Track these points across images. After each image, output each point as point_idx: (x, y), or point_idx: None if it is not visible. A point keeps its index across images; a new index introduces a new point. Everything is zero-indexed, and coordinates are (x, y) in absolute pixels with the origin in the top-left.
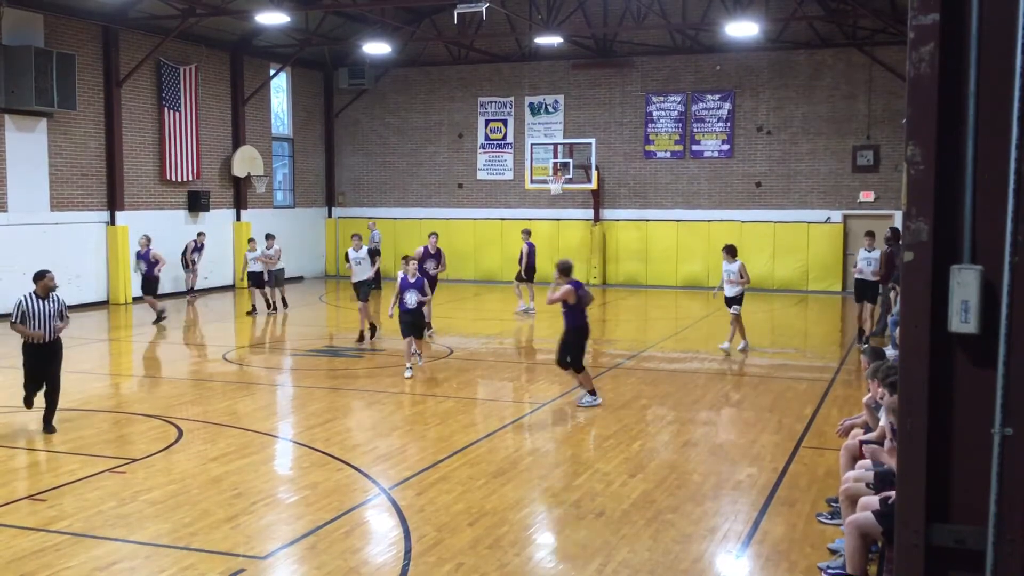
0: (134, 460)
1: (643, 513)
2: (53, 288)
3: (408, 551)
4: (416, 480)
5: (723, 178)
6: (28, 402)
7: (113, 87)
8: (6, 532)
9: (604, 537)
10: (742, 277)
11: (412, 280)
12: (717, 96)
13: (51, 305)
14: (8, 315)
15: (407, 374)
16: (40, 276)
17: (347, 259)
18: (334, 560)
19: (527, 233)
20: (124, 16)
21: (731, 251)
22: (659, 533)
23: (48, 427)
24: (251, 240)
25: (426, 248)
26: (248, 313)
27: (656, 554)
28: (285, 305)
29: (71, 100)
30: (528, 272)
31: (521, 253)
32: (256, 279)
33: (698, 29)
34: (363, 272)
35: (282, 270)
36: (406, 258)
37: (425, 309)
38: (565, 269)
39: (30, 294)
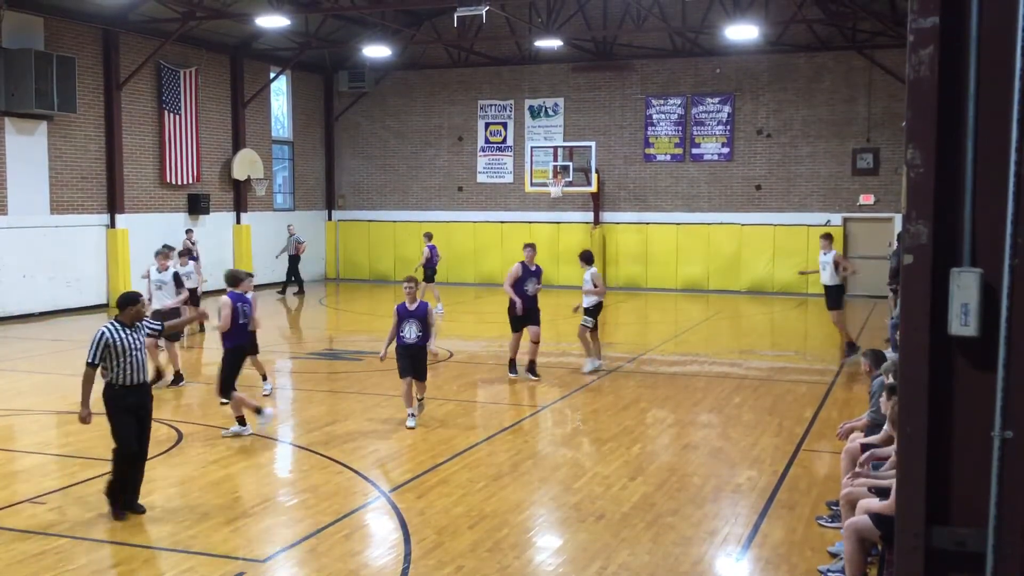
0: None
1: (643, 516)
2: (143, 316)
3: (408, 554)
4: (416, 483)
5: (723, 181)
6: (121, 488)
7: (113, 90)
8: (6, 535)
9: (604, 540)
10: (595, 286)
11: (413, 308)
12: (717, 99)
13: (140, 337)
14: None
15: (410, 423)
16: (132, 301)
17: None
18: (334, 563)
19: (428, 236)
20: (124, 19)
21: (586, 257)
22: (659, 536)
23: (135, 505)
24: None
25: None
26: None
27: (656, 557)
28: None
29: (71, 103)
30: (429, 274)
31: (423, 255)
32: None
33: (698, 32)
34: (165, 297)
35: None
36: (410, 281)
37: (431, 344)
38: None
39: (114, 325)
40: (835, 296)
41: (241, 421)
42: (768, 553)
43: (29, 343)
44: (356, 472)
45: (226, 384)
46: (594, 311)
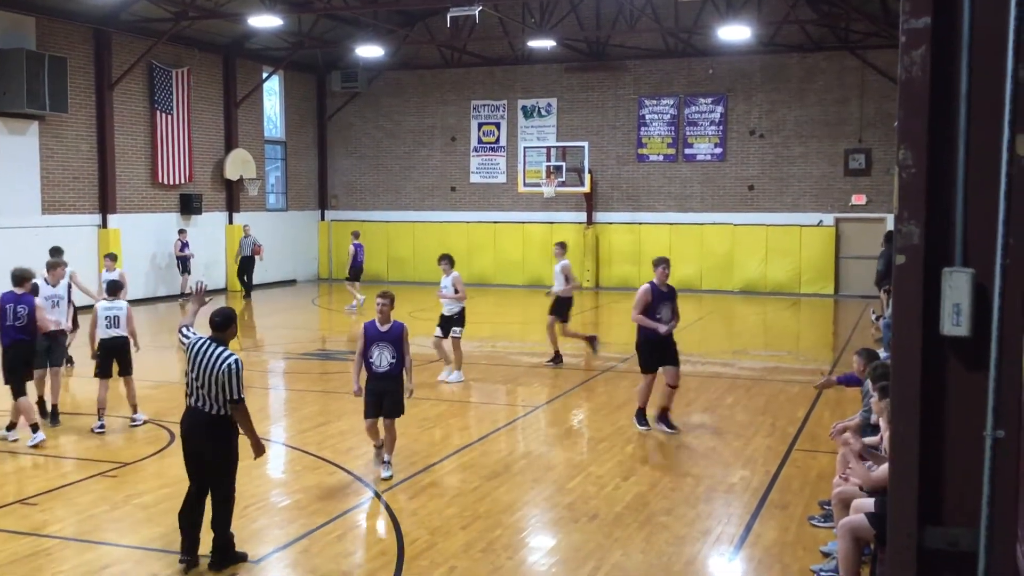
0: (126, 464)
1: (636, 516)
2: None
3: (401, 555)
4: (409, 484)
5: (716, 181)
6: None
7: (105, 90)
8: None
9: (597, 540)
10: (456, 292)
11: (384, 328)
12: (710, 99)
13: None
14: None
15: (385, 473)
16: (229, 322)
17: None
18: (327, 564)
19: (356, 235)
20: (116, 19)
21: (447, 260)
22: (652, 536)
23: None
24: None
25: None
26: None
27: (649, 556)
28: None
29: (63, 103)
30: (355, 272)
31: (349, 254)
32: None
33: (691, 33)
34: (60, 313)
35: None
36: (384, 297)
37: (406, 375)
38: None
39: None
40: (564, 307)
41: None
42: (761, 553)
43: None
44: (349, 472)
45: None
46: (459, 319)
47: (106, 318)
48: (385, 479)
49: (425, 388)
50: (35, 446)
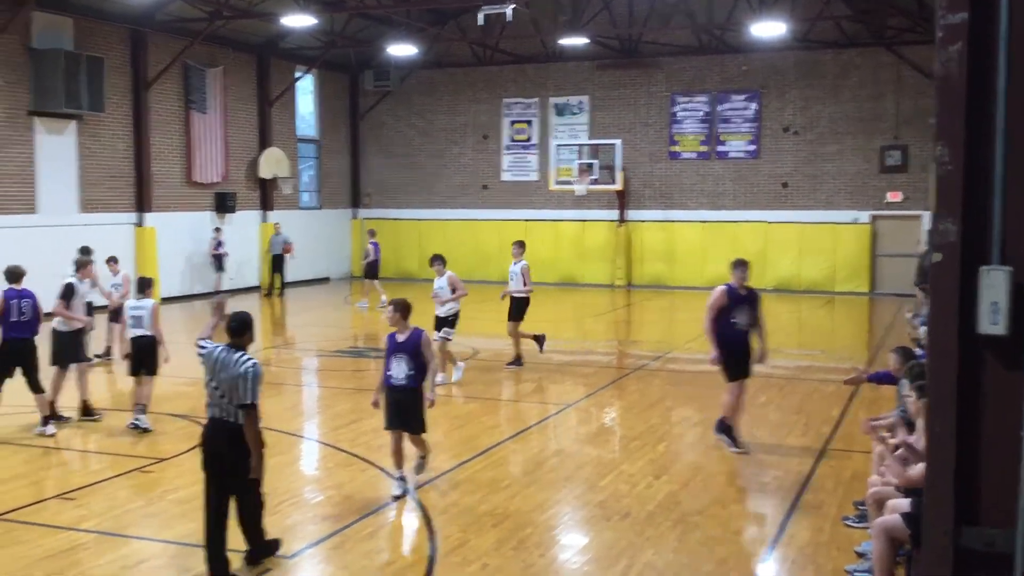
0: (162, 460)
1: (668, 515)
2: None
3: (433, 552)
4: (441, 481)
5: (749, 179)
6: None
7: (141, 90)
8: (36, 531)
9: (629, 538)
10: (455, 291)
11: (402, 339)
12: (743, 96)
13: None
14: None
15: (395, 491)
16: (245, 327)
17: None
18: (359, 560)
19: (372, 233)
20: (152, 19)
21: (440, 260)
22: (684, 535)
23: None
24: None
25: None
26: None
27: (681, 556)
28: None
29: (100, 103)
30: (371, 270)
31: (367, 252)
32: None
33: (724, 29)
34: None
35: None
36: (392, 305)
37: (428, 385)
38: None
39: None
40: (522, 308)
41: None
42: (794, 553)
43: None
44: (381, 469)
45: None
46: (451, 321)
47: (131, 317)
48: (396, 497)
49: (454, 386)
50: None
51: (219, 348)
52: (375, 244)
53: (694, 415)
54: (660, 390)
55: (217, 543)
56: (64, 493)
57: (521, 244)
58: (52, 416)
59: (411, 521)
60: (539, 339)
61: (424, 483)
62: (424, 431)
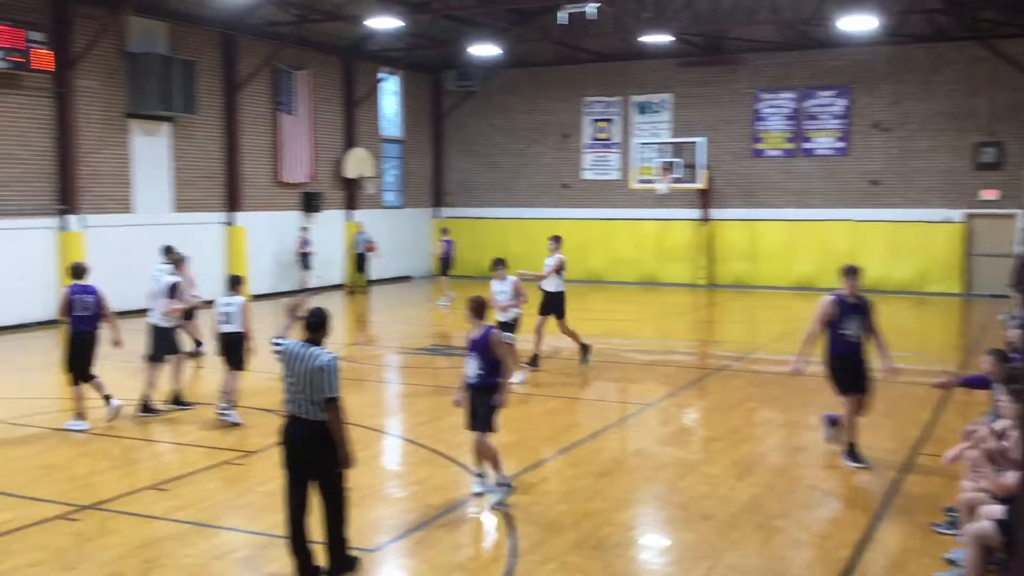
0: (251, 453)
1: (751, 518)
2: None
3: (513, 549)
4: (520, 479)
5: (837, 176)
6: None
7: (232, 92)
8: (130, 520)
9: (711, 541)
10: (519, 296)
11: (477, 336)
12: (831, 92)
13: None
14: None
15: (476, 488)
16: (322, 323)
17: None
18: (441, 555)
19: (445, 231)
20: (243, 23)
21: (503, 264)
22: (768, 538)
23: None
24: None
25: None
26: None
27: (765, 560)
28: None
29: (193, 105)
30: (444, 268)
31: (439, 250)
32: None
33: (811, 24)
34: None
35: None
36: (470, 304)
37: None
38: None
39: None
40: (559, 303)
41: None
42: (882, 559)
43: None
44: (462, 466)
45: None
46: (513, 326)
47: (221, 313)
48: (476, 494)
49: (534, 385)
50: (78, 430)
51: (296, 344)
52: (448, 242)
53: (778, 417)
54: (743, 391)
55: (300, 538)
56: (157, 484)
57: (557, 239)
58: (148, 409)
59: (491, 518)
60: (585, 348)
61: (504, 481)
62: (488, 430)
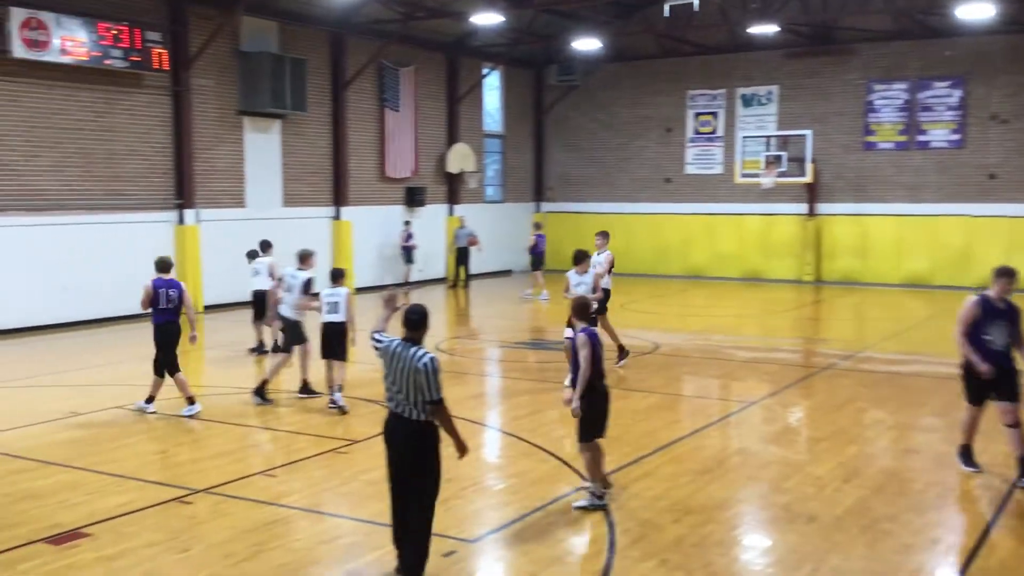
0: (355, 442)
1: (858, 520)
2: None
3: (612, 544)
4: (620, 474)
5: (952, 170)
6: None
7: (340, 89)
8: (241, 504)
9: (815, 543)
10: (595, 290)
11: (571, 336)
12: (946, 83)
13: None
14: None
15: (580, 503)
16: (423, 321)
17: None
18: (539, 548)
19: (537, 226)
20: (350, 22)
21: (585, 256)
22: (875, 542)
23: None
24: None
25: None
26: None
27: (871, 563)
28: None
29: (302, 102)
30: (536, 262)
31: (533, 244)
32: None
33: (926, 13)
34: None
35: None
36: (576, 306)
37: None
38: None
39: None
40: (602, 300)
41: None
42: (996, 565)
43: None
44: (561, 460)
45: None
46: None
47: (327, 303)
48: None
49: (634, 380)
50: (191, 416)
51: (395, 342)
52: (540, 236)
53: (888, 418)
54: (851, 391)
55: (404, 532)
56: (267, 470)
57: (605, 234)
58: (307, 391)
59: (590, 513)
60: (622, 349)
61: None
62: (580, 439)
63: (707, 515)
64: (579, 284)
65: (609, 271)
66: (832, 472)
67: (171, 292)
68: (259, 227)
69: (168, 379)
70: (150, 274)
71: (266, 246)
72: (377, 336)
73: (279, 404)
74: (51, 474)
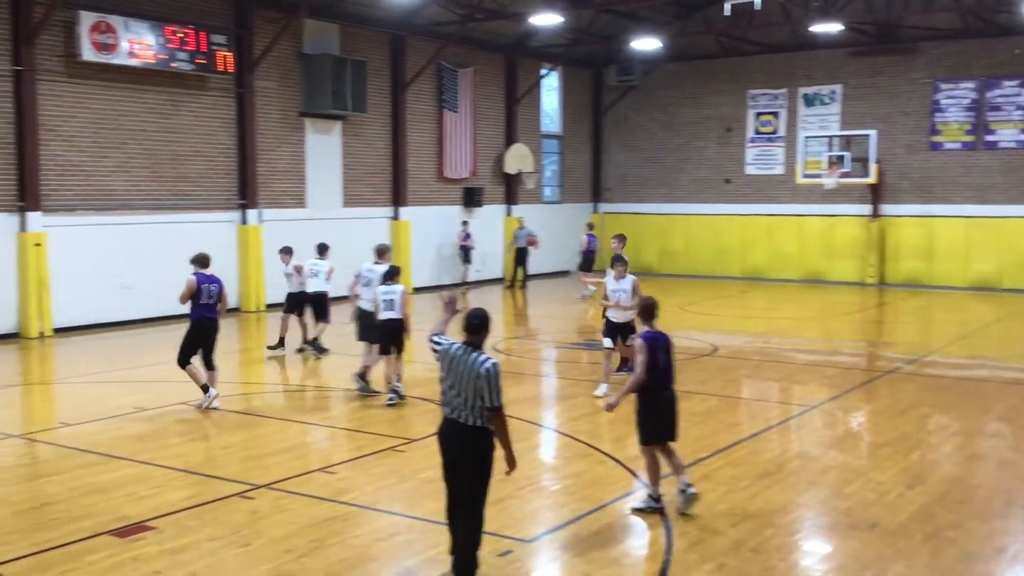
0: (413, 440)
1: (921, 527)
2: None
3: (669, 547)
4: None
5: (1021, 171)
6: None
7: (399, 90)
8: (301, 500)
9: (877, 549)
10: (635, 295)
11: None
12: (1016, 82)
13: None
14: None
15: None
16: (484, 325)
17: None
18: (595, 549)
19: (589, 226)
20: (410, 23)
21: (623, 261)
22: (939, 550)
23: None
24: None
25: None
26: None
27: (935, 571)
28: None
29: (363, 104)
30: (587, 263)
31: (582, 244)
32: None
33: (993, 10)
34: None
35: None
36: (642, 307)
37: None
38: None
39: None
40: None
41: (204, 390)
42: None
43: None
44: (618, 462)
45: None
46: (633, 327)
47: (383, 301)
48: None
49: (692, 382)
50: (208, 407)
51: (455, 346)
52: (592, 236)
53: (953, 424)
54: (915, 395)
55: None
56: (327, 467)
57: (622, 237)
58: (363, 379)
59: (647, 516)
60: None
61: (661, 478)
62: (639, 442)
63: (766, 520)
64: (616, 291)
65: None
66: (895, 478)
67: (212, 287)
68: (319, 227)
69: (185, 369)
70: (215, 272)
71: (323, 249)
72: (436, 338)
73: (338, 401)
74: (118, 468)
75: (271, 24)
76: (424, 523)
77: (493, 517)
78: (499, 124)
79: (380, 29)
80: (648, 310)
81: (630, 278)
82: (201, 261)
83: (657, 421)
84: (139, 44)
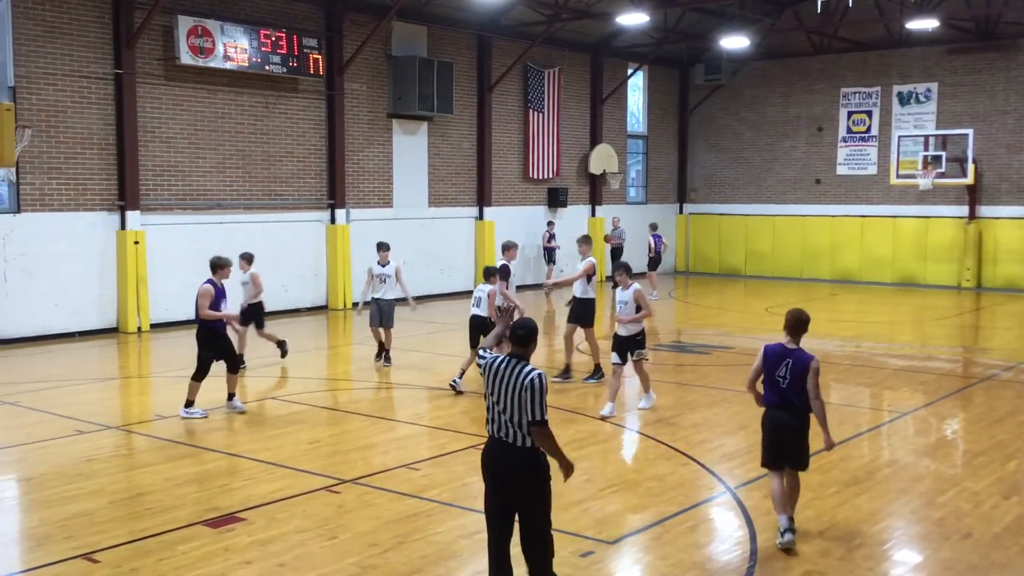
0: None
1: (1018, 539)
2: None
3: (754, 552)
4: (763, 482)
5: None
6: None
7: (485, 91)
8: (386, 496)
9: (970, 561)
10: (639, 309)
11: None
12: None
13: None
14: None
15: (783, 539)
16: (531, 336)
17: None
18: (678, 553)
19: (653, 226)
20: (496, 24)
21: (626, 269)
22: None
23: None
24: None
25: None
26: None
27: None
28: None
29: (449, 105)
30: (653, 263)
31: (650, 246)
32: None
33: None
34: (388, 291)
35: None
36: (790, 320)
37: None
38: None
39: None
40: (585, 311)
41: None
42: None
43: (407, 324)
44: (702, 465)
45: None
46: (642, 342)
47: (474, 298)
48: (785, 548)
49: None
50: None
51: (499, 359)
52: (657, 237)
53: None
54: (1012, 403)
55: (500, 565)
56: (411, 463)
57: (587, 239)
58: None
59: (732, 520)
60: (598, 368)
61: (745, 483)
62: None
63: (854, 527)
64: (621, 301)
65: (588, 278)
66: (990, 488)
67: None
68: (406, 227)
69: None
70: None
71: (383, 246)
72: (482, 352)
73: (420, 400)
74: (211, 460)
75: (360, 27)
76: None
77: (575, 518)
78: (584, 124)
79: (467, 31)
80: (792, 324)
81: (633, 287)
82: (217, 265)
83: (763, 441)
84: (234, 48)
